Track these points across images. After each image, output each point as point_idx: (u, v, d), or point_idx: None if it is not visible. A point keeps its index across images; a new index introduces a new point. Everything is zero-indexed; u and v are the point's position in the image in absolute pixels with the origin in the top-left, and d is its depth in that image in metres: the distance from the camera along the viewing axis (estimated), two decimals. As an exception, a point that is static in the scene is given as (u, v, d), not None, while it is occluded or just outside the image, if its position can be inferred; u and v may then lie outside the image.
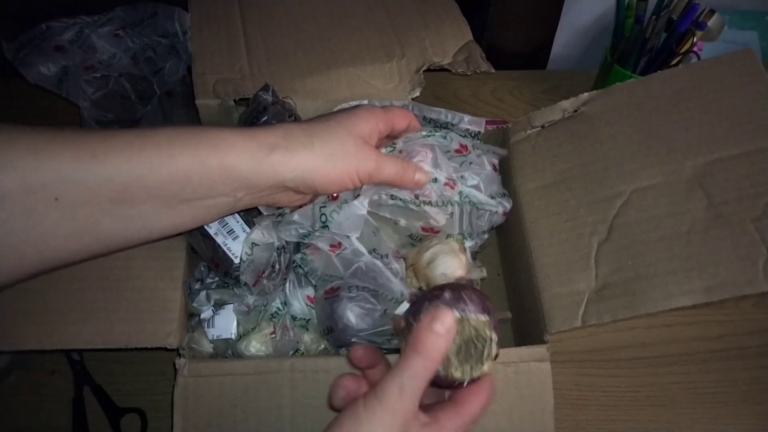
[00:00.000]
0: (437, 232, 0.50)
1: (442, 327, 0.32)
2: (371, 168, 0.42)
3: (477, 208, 0.50)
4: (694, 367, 0.58)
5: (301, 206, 0.47)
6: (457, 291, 0.35)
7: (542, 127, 0.54)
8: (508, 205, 0.52)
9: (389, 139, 0.50)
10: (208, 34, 0.60)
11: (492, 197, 0.51)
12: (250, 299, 0.50)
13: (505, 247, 0.60)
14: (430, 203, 0.48)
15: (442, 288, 0.36)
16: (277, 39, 0.60)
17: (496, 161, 0.53)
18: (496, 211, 0.51)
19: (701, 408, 0.56)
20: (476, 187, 0.51)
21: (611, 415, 0.56)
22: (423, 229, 0.49)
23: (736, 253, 0.42)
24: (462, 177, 0.51)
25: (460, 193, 0.50)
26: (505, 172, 0.56)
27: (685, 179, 0.46)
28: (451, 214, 0.50)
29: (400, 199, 0.47)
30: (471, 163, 0.52)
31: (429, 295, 0.36)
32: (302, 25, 0.62)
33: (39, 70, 0.64)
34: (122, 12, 0.68)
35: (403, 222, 0.48)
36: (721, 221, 0.44)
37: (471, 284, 0.46)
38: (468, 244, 0.51)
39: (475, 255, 0.55)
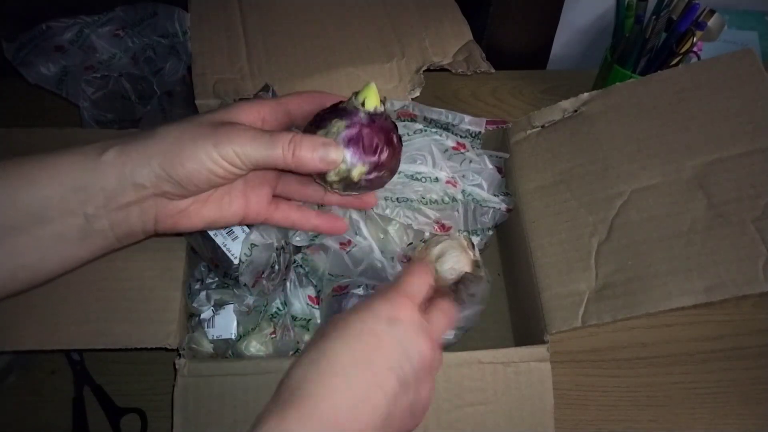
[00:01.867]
0: (449, 229, 0.50)
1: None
2: (232, 146, 0.34)
3: (480, 205, 0.51)
4: (693, 367, 0.58)
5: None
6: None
7: (542, 127, 0.54)
8: (510, 203, 0.52)
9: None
10: (208, 34, 0.60)
11: (495, 195, 0.52)
12: (250, 299, 0.50)
13: (505, 247, 0.60)
14: (436, 202, 0.49)
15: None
16: (277, 39, 0.60)
17: (499, 163, 0.54)
18: (500, 208, 0.52)
19: (701, 408, 0.56)
20: (479, 186, 0.51)
21: (611, 415, 0.56)
22: (436, 228, 0.49)
23: (736, 253, 0.42)
24: (463, 176, 0.51)
25: (463, 191, 0.50)
26: (505, 172, 0.56)
27: (685, 179, 0.46)
28: (457, 211, 0.50)
29: (408, 200, 0.48)
30: (471, 161, 0.52)
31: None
32: (302, 25, 0.62)
33: (39, 70, 0.64)
34: (122, 12, 0.68)
35: (415, 225, 0.49)
36: (721, 221, 0.44)
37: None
38: (474, 240, 0.51)
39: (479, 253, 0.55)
